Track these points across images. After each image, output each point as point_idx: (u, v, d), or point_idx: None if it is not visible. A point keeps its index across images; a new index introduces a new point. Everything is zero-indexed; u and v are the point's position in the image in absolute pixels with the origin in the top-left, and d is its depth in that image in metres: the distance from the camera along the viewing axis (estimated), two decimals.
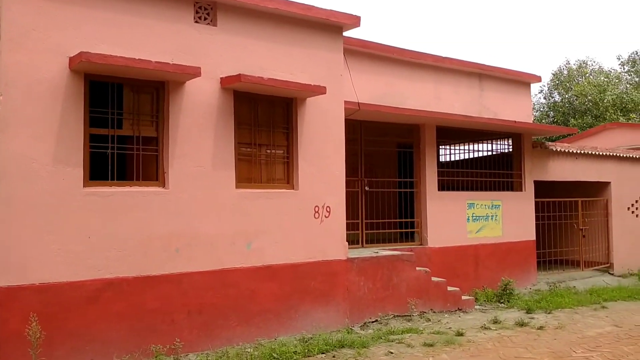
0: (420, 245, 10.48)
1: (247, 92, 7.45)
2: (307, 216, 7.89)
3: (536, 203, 12.31)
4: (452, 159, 13.88)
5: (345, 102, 8.66)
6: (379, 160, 12.36)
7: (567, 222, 13.19)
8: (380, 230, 10.47)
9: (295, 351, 6.76)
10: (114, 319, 6.28)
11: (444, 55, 10.94)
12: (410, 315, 8.75)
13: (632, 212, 14.30)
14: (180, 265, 6.79)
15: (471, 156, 13.59)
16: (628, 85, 28.97)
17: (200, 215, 6.98)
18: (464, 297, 9.62)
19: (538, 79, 12.46)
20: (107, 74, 6.41)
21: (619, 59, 30.82)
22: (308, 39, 8.00)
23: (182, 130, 6.90)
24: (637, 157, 14.33)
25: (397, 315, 8.68)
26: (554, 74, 31.23)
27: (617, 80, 29.12)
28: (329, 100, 8.17)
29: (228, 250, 7.17)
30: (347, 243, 8.32)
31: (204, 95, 7.10)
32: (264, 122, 7.77)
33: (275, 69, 7.63)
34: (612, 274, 13.58)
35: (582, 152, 13.03)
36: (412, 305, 8.79)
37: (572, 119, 28.03)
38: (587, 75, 30.01)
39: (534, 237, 12.12)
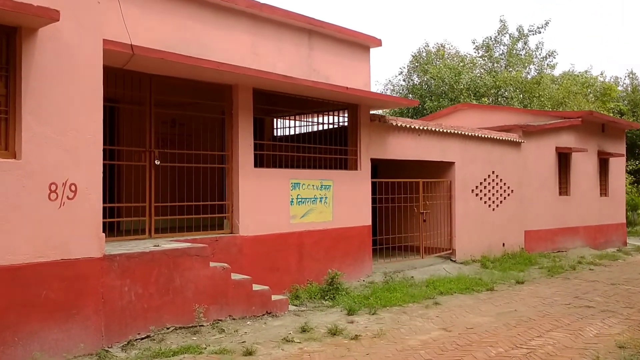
0: (231, 233, 8.51)
1: None
2: (36, 197, 5.53)
3: (373, 184, 10.87)
4: (290, 132, 12.09)
5: (113, 42, 6.41)
6: (200, 130, 10.24)
7: (409, 205, 11.97)
8: (177, 216, 8.36)
9: None
10: None
11: (262, 2, 8.92)
12: (198, 326, 6.75)
13: (477, 194, 13.45)
14: None
15: (308, 130, 11.91)
16: (482, 70, 29.26)
17: None
18: (275, 298, 7.81)
19: (378, 42, 10.88)
20: None
21: (474, 43, 31.12)
22: None
23: None
24: (483, 136, 13.49)
25: (180, 328, 6.64)
26: (413, 56, 30.81)
27: (471, 65, 29.29)
28: (78, 35, 5.84)
29: None
30: (104, 235, 6.09)
31: None
32: None
33: None
34: (454, 261, 12.63)
35: (425, 128, 11.79)
36: (201, 313, 6.79)
37: (429, 101, 27.75)
38: (444, 58, 29.93)
39: (369, 222, 10.65)
